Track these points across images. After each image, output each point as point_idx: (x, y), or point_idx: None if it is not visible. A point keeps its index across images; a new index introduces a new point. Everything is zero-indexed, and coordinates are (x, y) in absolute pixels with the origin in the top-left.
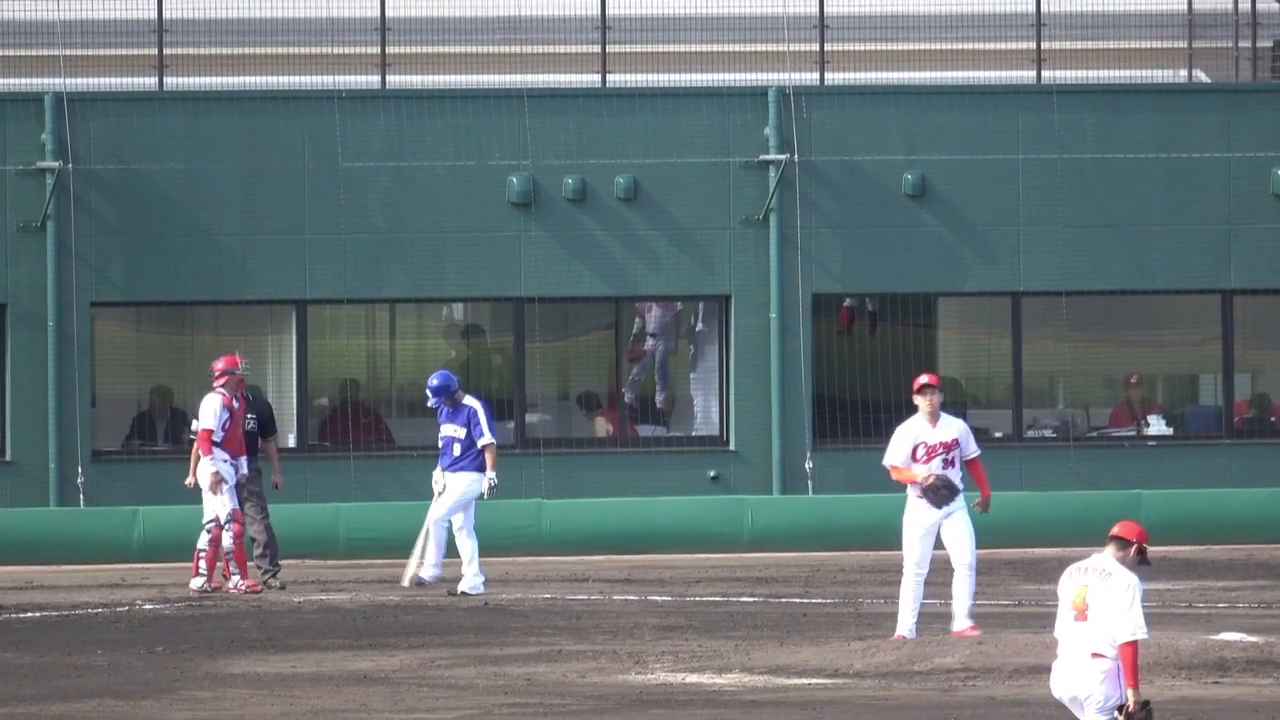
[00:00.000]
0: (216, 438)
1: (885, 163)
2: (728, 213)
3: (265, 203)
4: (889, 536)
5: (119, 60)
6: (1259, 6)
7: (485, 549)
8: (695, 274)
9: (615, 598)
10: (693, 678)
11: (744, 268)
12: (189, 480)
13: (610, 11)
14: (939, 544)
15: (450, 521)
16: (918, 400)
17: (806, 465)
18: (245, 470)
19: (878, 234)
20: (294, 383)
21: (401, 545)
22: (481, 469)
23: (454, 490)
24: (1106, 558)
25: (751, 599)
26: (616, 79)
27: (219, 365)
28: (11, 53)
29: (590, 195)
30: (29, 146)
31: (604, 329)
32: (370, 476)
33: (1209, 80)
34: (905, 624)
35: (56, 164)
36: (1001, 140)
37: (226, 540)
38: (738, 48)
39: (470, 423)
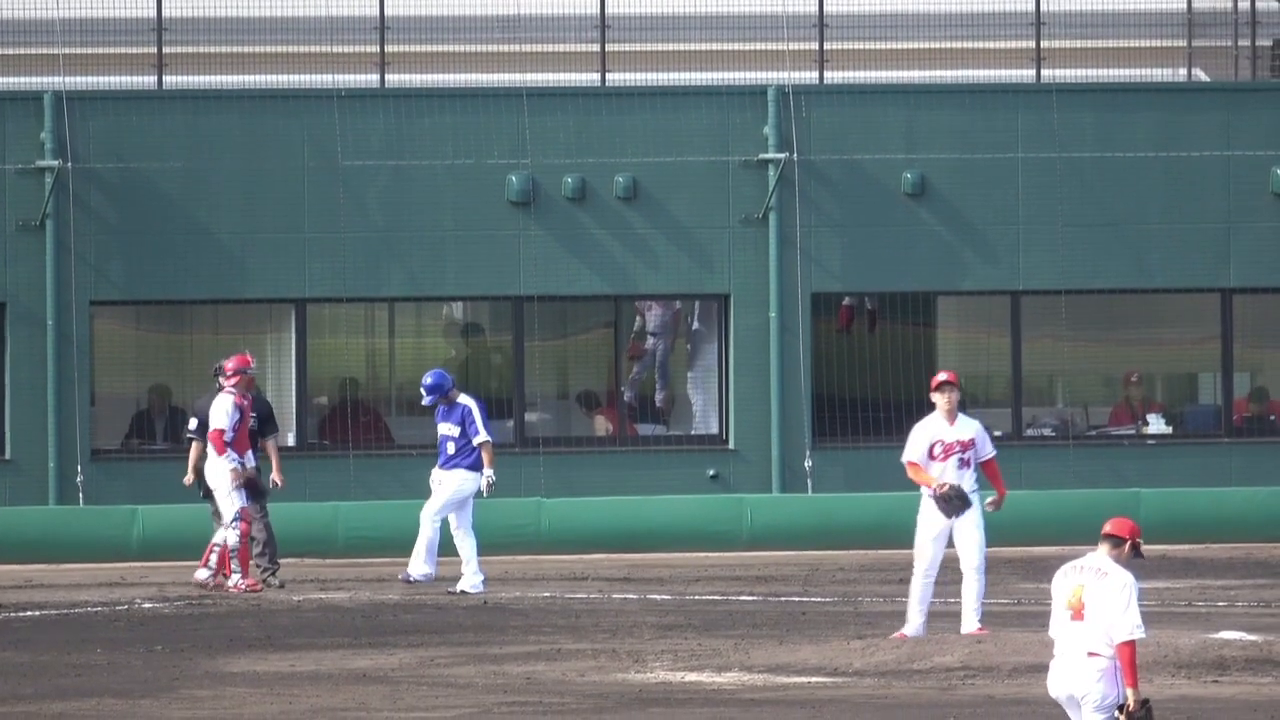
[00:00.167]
0: (227, 438)
1: (884, 161)
2: (727, 212)
3: (264, 201)
4: (888, 535)
5: (118, 59)
6: (1258, 5)
7: (485, 548)
8: (694, 273)
9: (614, 596)
10: (692, 676)
11: (743, 266)
12: (187, 479)
13: (609, 10)
14: (949, 543)
15: (447, 520)
16: (936, 398)
17: (806, 464)
18: (254, 463)
19: (877, 233)
20: (293, 381)
21: (401, 544)
22: (475, 467)
23: (447, 488)
24: (1101, 557)
25: (751, 598)
26: (616, 78)
27: (230, 365)
28: (11, 51)
29: (589, 194)
30: (28, 145)
31: (603, 328)
32: (369, 475)
33: (1208, 79)
34: (913, 624)
35: (56, 163)
36: (1001, 139)
37: (232, 538)
38: (737, 46)
39: (465, 421)
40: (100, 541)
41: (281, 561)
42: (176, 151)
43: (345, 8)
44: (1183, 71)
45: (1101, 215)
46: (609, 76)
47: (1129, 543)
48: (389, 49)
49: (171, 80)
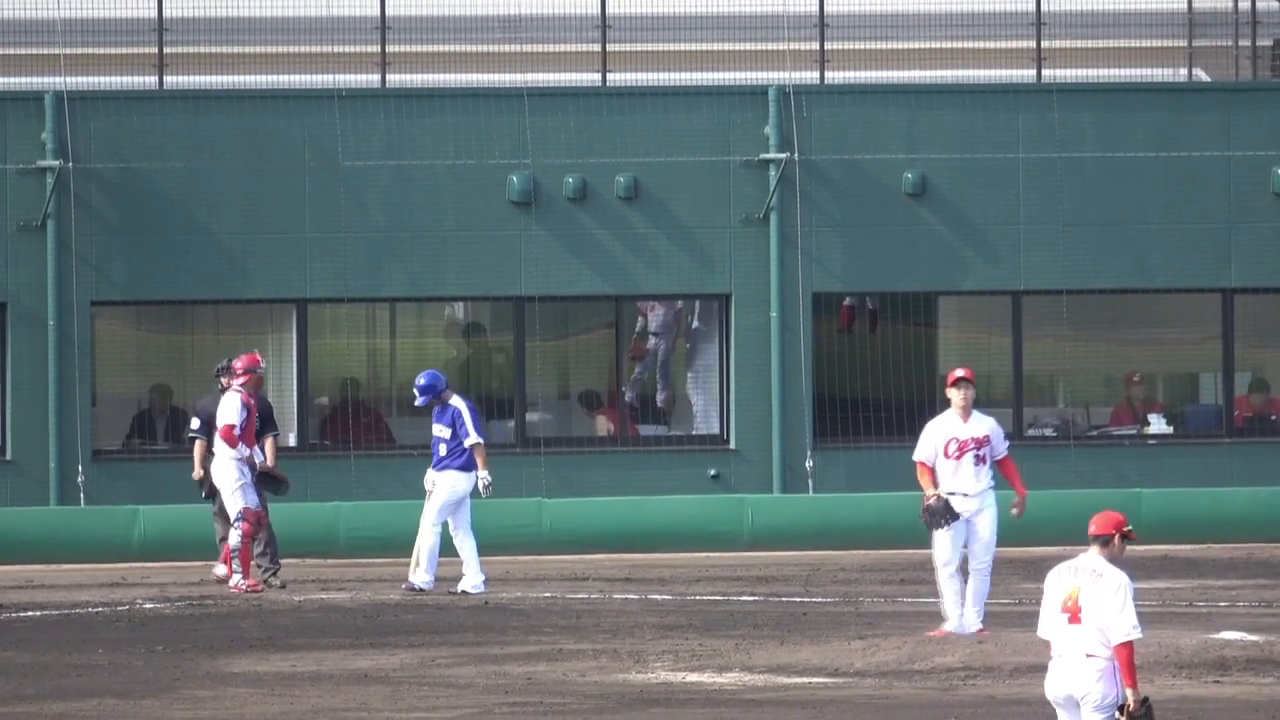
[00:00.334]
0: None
1: (885, 161)
2: (728, 211)
3: (265, 202)
4: (889, 535)
5: (119, 59)
6: (1259, 5)
7: (486, 548)
8: (695, 273)
9: (615, 597)
10: (693, 677)
11: (744, 266)
12: (197, 473)
13: (610, 10)
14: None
15: (446, 524)
16: (951, 393)
17: (807, 464)
18: (261, 457)
19: (878, 233)
20: (294, 382)
21: (402, 544)
22: (466, 468)
23: (440, 491)
24: (1094, 558)
25: (752, 598)
26: (617, 78)
27: (240, 364)
28: (12, 51)
29: (590, 194)
30: (29, 145)
31: (604, 328)
32: (371, 475)
33: (1209, 79)
34: (952, 619)
35: (57, 163)
36: (1002, 139)
37: (234, 538)
38: (738, 46)
39: (455, 423)
40: (101, 542)
41: (283, 562)
42: (177, 152)
43: (346, 8)
44: (1183, 71)
45: (1102, 215)
46: (610, 76)
47: (1117, 536)
48: (390, 49)
49: (172, 80)
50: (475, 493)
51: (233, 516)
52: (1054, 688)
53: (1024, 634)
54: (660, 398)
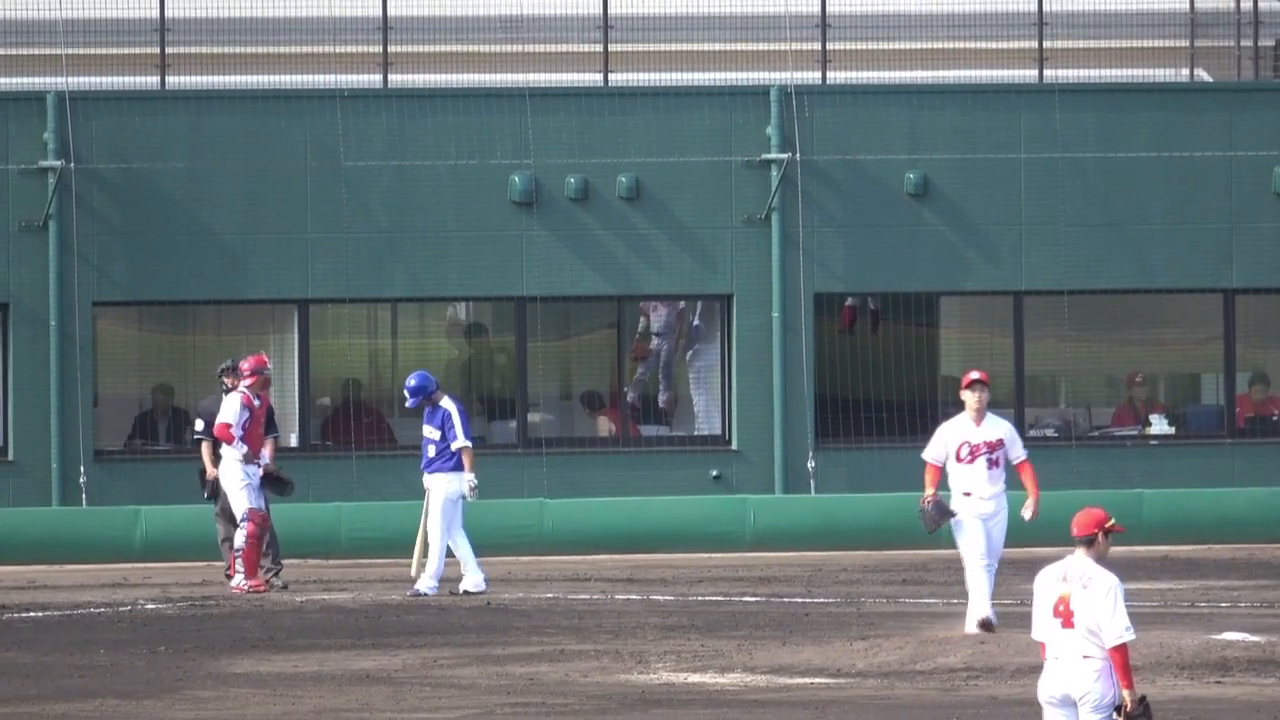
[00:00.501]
0: (236, 433)
1: (887, 162)
2: (730, 212)
3: (267, 202)
4: (891, 536)
5: (121, 59)
6: (1260, 6)
7: (488, 549)
8: (697, 273)
9: (618, 597)
10: (695, 677)
11: (746, 267)
12: (211, 473)
13: (612, 10)
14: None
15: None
16: (966, 395)
17: (809, 465)
18: (267, 459)
19: (880, 233)
20: (296, 382)
21: (403, 545)
22: (457, 470)
23: (436, 496)
24: (1081, 561)
25: (754, 598)
26: (618, 78)
27: (247, 365)
28: (13, 52)
29: (592, 194)
30: (31, 146)
31: (606, 328)
32: (372, 476)
33: (1211, 79)
34: (985, 608)
35: (58, 163)
36: (1003, 139)
37: (238, 538)
38: (739, 47)
39: (444, 425)
40: (103, 542)
41: (284, 562)
42: (179, 152)
43: (348, 8)
44: (1185, 72)
45: (1104, 215)
46: (612, 77)
47: (1100, 534)
48: (392, 49)
49: (174, 81)
50: (462, 494)
51: (239, 517)
52: (1050, 688)
53: (1026, 634)
54: (662, 398)
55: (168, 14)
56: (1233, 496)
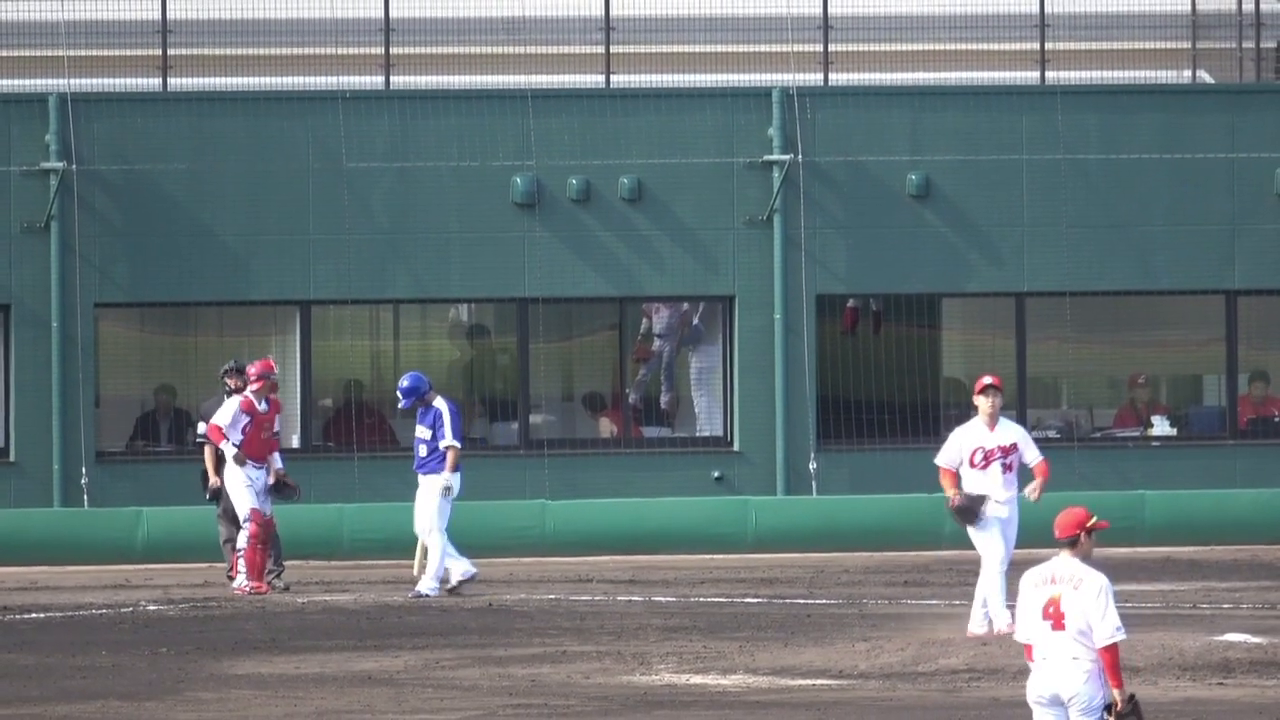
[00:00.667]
0: (235, 439)
1: (889, 163)
2: (732, 213)
3: (269, 203)
4: (893, 537)
5: (123, 61)
6: (1262, 7)
7: (490, 550)
8: (699, 274)
9: (619, 599)
10: (697, 679)
11: (748, 268)
12: (214, 482)
13: (614, 12)
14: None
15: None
16: (979, 401)
17: (810, 466)
18: (279, 465)
19: (882, 234)
20: (298, 383)
21: (406, 546)
22: (452, 469)
23: (429, 499)
24: (1068, 562)
25: (756, 600)
26: (620, 79)
27: (254, 369)
28: (16, 53)
29: (594, 196)
30: (33, 147)
31: (608, 329)
32: (374, 477)
33: (1213, 81)
34: (1003, 617)
35: (60, 165)
36: (1005, 141)
37: (241, 539)
38: (742, 48)
39: (436, 425)
40: (105, 543)
41: (286, 564)
42: (181, 153)
43: (350, 10)
44: (1187, 73)
45: (1106, 217)
46: (614, 78)
47: (1082, 534)
48: (394, 51)
49: (176, 82)
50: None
51: (242, 518)
52: (1038, 688)
53: None
54: (664, 399)
55: (170, 16)
56: (1235, 498)
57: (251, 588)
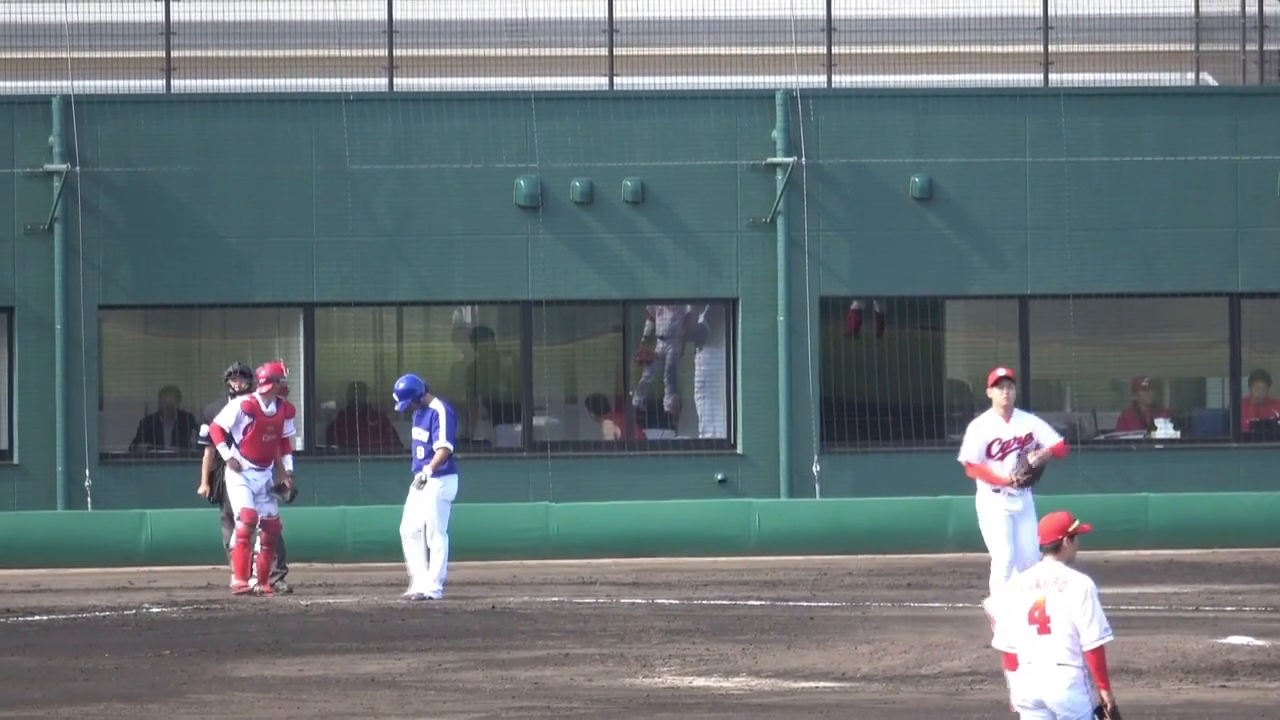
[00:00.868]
0: (235, 439)
1: (892, 165)
2: (735, 215)
3: (272, 205)
4: (897, 540)
5: (126, 63)
6: (1266, 10)
7: (494, 552)
8: (703, 277)
9: (623, 601)
10: (700, 681)
11: (751, 270)
12: (201, 489)
13: (617, 14)
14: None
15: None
16: (993, 393)
17: (814, 468)
18: (269, 479)
19: (885, 237)
20: (301, 385)
21: None
22: (448, 472)
23: (429, 502)
24: (1052, 566)
25: (759, 602)
26: (624, 82)
27: (264, 372)
28: (19, 55)
29: (598, 198)
30: (36, 149)
31: (612, 332)
32: (378, 479)
33: (1216, 83)
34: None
35: (64, 166)
36: (1009, 143)
37: (233, 538)
38: (745, 51)
39: (432, 427)
40: (108, 546)
41: (289, 566)
42: (184, 155)
43: (353, 12)
44: (1190, 76)
45: (1109, 219)
46: (617, 80)
47: (1065, 539)
48: (397, 53)
49: (179, 84)
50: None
51: (235, 517)
52: (1024, 693)
53: None
54: (668, 402)
55: (173, 18)
56: (1238, 500)
57: (236, 587)
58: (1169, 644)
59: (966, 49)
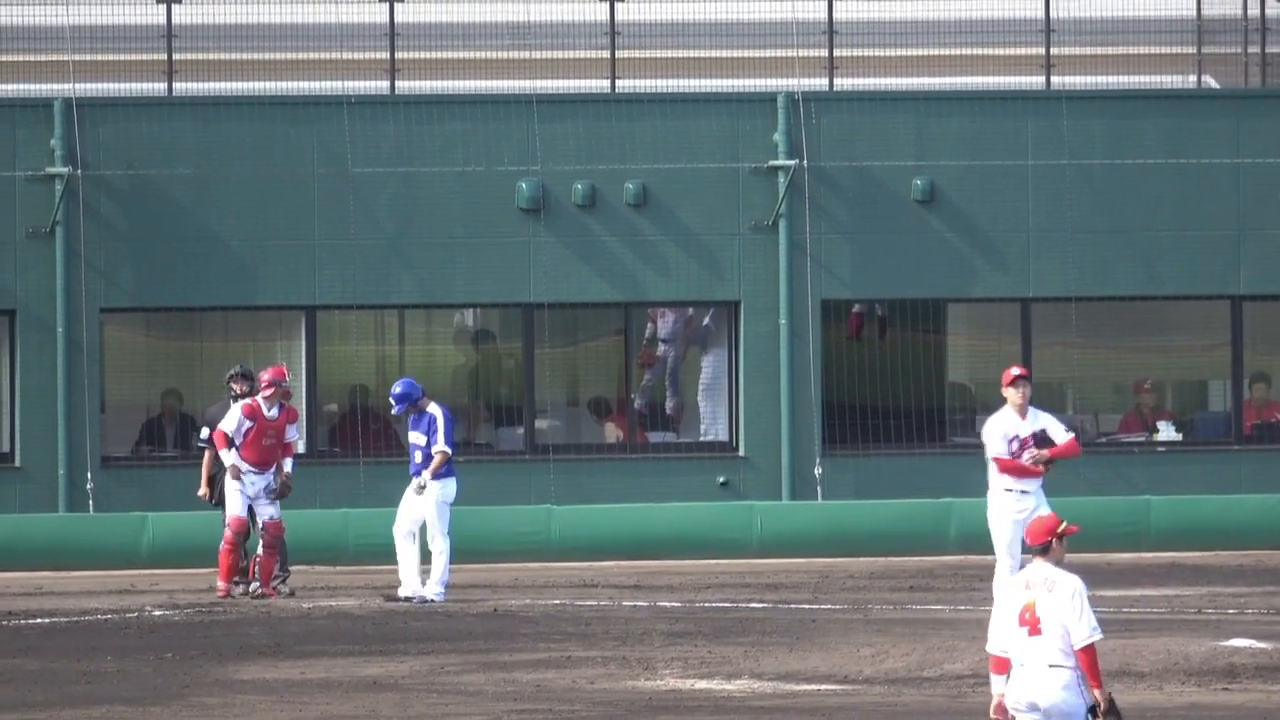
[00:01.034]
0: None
1: (894, 168)
2: (737, 218)
3: (274, 208)
4: (898, 542)
5: (128, 65)
6: (1268, 12)
7: (496, 555)
8: (705, 279)
9: (624, 604)
10: (702, 684)
11: (753, 273)
12: (201, 492)
13: (619, 17)
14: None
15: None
16: (1010, 392)
17: (816, 471)
18: (269, 482)
19: (887, 240)
20: (303, 388)
21: None
22: (446, 475)
23: (430, 505)
24: (1041, 568)
25: (760, 605)
26: (626, 84)
27: (266, 376)
28: (21, 58)
29: (599, 201)
30: (38, 152)
31: (614, 334)
32: (379, 482)
33: (1218, 86)
34: None
35: (66, 169)
36: (1010, 146)
37: (223, 542)
38: (747, 53)
39: (430, 430)
40: (110, 548)
41: (292, 569)
42: (186, 158)
43: (355, 14)
44: (1192, 78)
45: (1111, 222)
46: (619, 83)
47: (1052, 541)
48: (399, 56)
49: (181, 87)
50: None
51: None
52: (1017, 696)
53: None
54: (669, 405)
55: (175, 20)
56: (1240, 503)
57: (221, 589)
58: (1171, 646)
59: (968, 52)
